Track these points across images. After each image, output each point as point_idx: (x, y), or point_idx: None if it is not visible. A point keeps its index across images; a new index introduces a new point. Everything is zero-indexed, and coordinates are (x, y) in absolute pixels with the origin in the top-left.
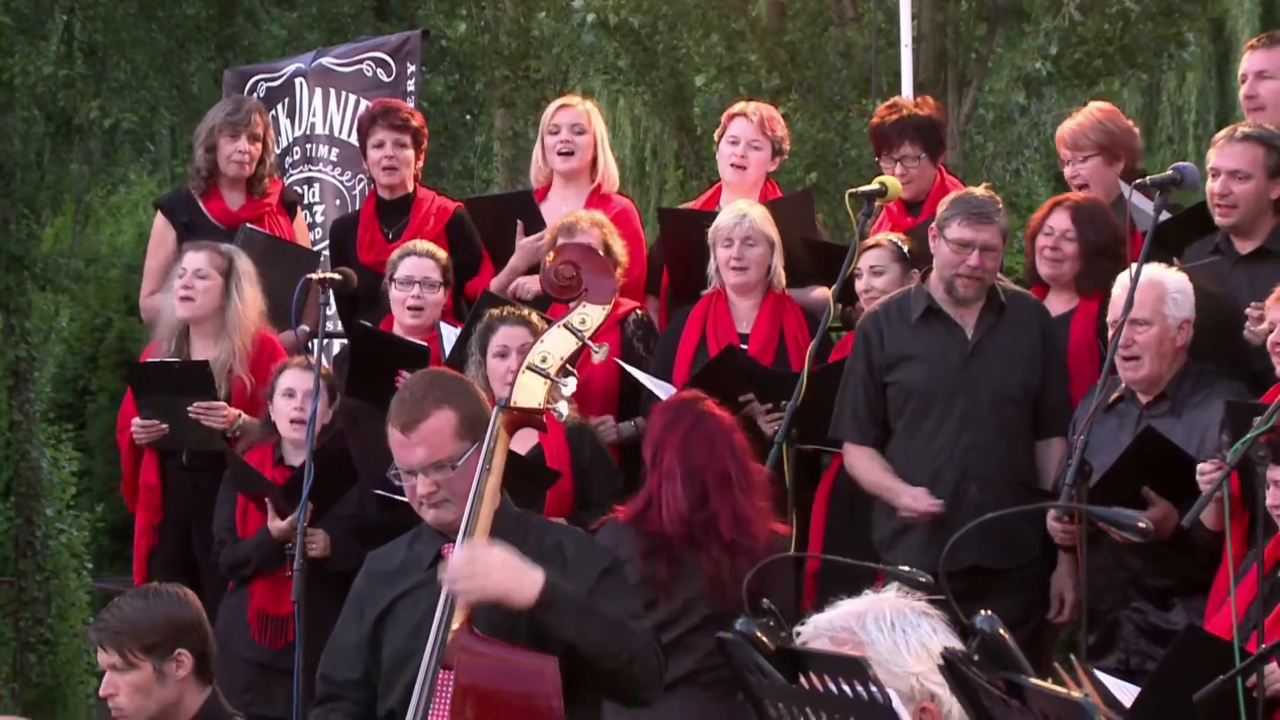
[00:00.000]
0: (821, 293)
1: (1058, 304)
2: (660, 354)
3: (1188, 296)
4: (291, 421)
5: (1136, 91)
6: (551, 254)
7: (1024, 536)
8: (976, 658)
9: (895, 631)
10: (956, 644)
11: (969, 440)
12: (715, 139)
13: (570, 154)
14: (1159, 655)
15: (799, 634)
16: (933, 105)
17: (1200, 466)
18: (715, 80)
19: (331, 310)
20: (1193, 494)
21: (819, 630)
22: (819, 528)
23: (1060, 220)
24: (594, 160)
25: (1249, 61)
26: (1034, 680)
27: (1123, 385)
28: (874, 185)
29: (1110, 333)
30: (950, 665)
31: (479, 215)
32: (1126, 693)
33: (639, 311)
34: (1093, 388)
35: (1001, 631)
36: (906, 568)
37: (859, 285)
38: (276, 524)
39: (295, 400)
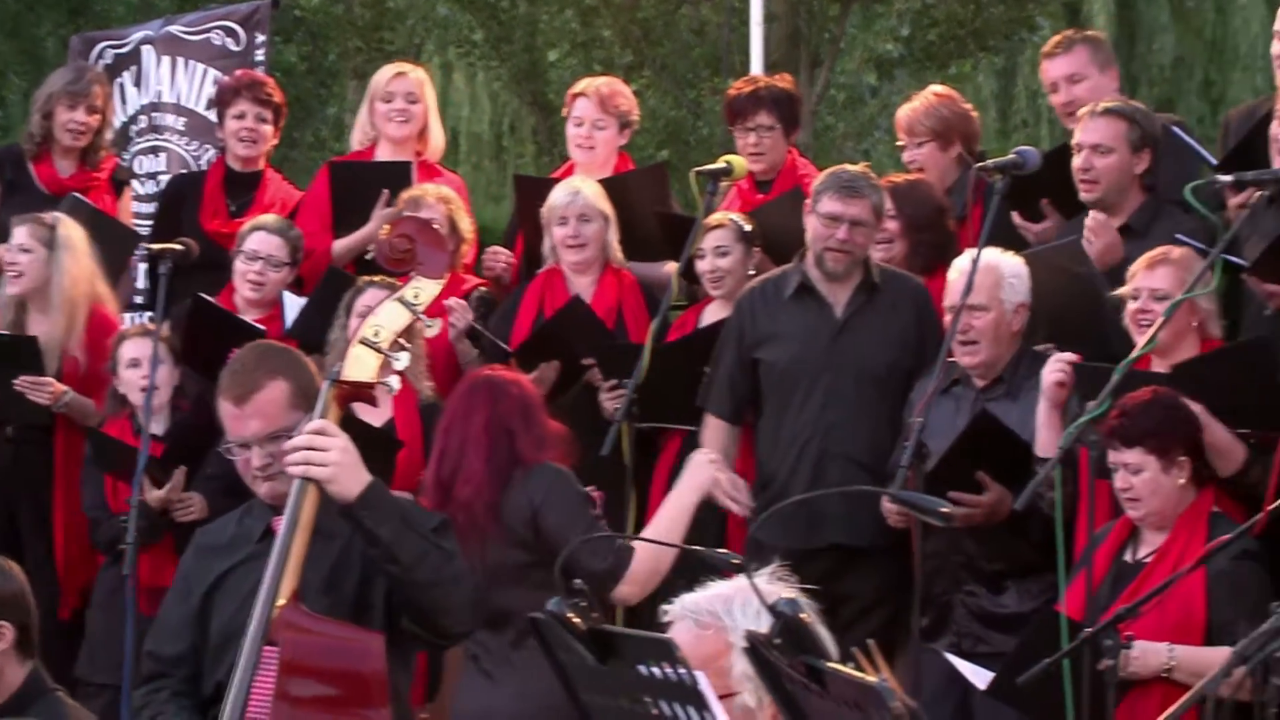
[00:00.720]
0: (672, 268)
1: None
2: (495, 332)
3: (1023, 280)
4: (142, 390)
5: (992, 75)
6: (386, 226)
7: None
8: (777, 641)
9: (761, 619)
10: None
11: (832, 418)
12: (564, 117)
13: (405, 121)
14: (991, 638)
15: (665, 612)
16: (789, 80)
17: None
18: (569, 55)
19: (143, 284)
20: (1028, 478)
21: (685, 611)
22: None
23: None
24: (423, 130)
25: (1053, 68)
26: (832, 665)
27: (958, 368)
28: (720, 164)
29: (947, 317)
30: (753, 649)
31: (342, 176)
32: (980, 676)
33: (483, 289)
34: (930, 370)
35: (803, 615)
36: (724, 550)
37: (704, 265)
38: (154, 494)
39: (141, 369)
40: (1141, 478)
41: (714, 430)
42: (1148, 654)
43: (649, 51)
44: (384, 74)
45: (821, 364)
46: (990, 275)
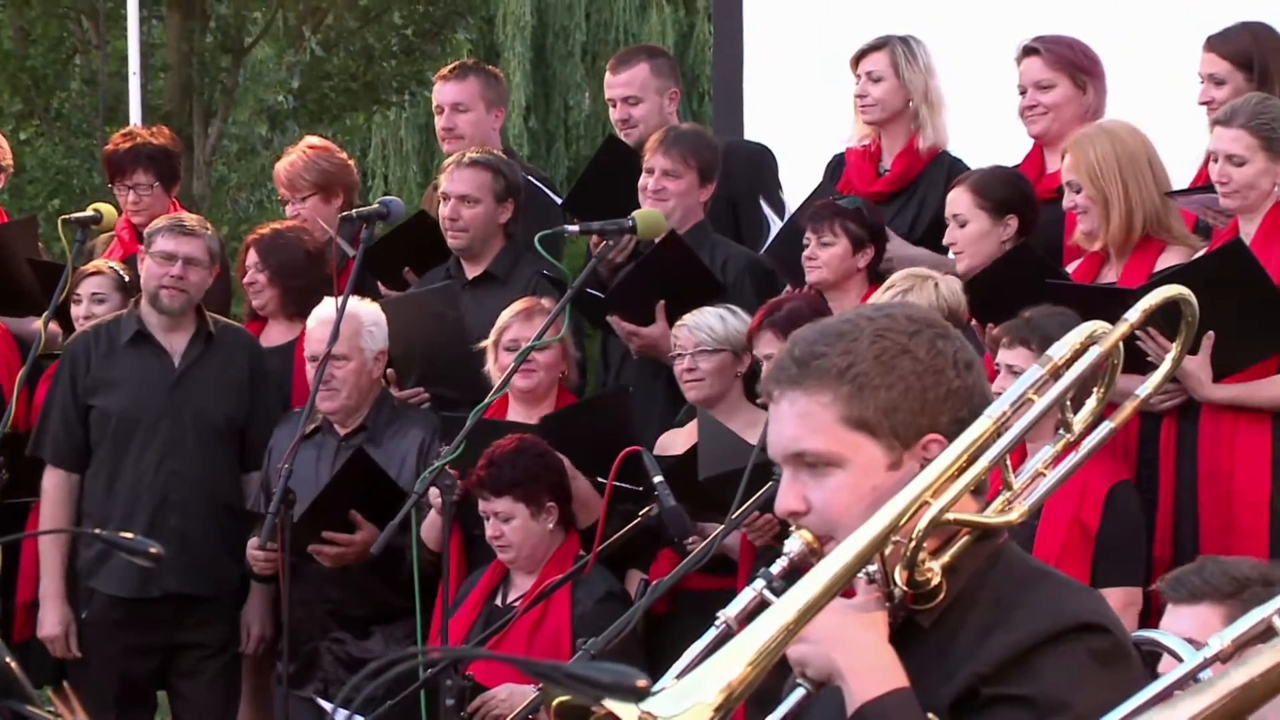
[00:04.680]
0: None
1: (276, 334)
2: None
3: (382, 328)
4: None
5: (414, 127)
6: None
7: (225, 565)
8: None
9: None
10: None
11: (171, 466)
12: None
13: None
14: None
15: None
16: (167, 135)
17: None
18: None
19: None
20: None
21: None
22: (33, 558)
23: (250, 256)
24: None
25: (444, 92)
26: (35, 709)
27: (320, 416)
28: (89, 212)
29: (311, 366)
30: None
31: None
32: None
33: None
34: (290, 415)
35: (10, 660)
36: None
37: (78, 312)
38: None
39: None
40: (511, 525)
41: (55, 480)
42: (515, 696)
43: (40, 101)
44: None
45: (160, 411)
46: (351, 324)
